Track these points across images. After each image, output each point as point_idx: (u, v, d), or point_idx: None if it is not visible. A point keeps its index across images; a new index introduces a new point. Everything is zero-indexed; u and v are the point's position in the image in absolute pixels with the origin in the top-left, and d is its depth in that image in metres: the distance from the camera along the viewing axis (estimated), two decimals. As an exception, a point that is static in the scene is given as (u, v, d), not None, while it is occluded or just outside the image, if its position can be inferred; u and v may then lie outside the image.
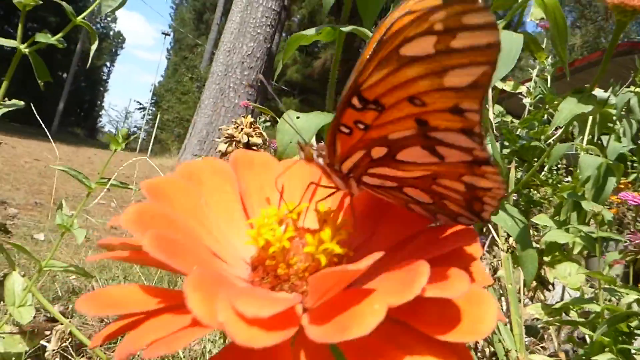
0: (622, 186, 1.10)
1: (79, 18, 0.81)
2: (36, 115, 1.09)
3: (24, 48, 0.77)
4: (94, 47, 0.84)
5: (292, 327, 0.15)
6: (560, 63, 0.52)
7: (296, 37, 0.45)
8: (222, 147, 0.75)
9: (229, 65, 5.47)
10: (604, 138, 0.98)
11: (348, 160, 0.24)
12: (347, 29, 0.43)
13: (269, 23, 5.46)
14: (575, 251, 0.90)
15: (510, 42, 0.42)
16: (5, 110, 0.81)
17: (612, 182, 0.78)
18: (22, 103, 0.82)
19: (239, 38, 5.48)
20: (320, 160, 0.25)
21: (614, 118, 0.88)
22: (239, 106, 5.37)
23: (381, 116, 0.21)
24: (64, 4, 0.80)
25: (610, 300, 0.77)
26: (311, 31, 0.44)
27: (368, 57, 0.20)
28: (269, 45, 5.55)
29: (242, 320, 0.14)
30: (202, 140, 5.85)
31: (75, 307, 0.16)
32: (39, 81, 0.82)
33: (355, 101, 0.21)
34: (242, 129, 0.76)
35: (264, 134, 0.77)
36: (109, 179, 0.81)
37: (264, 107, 0.96)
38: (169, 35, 20.95)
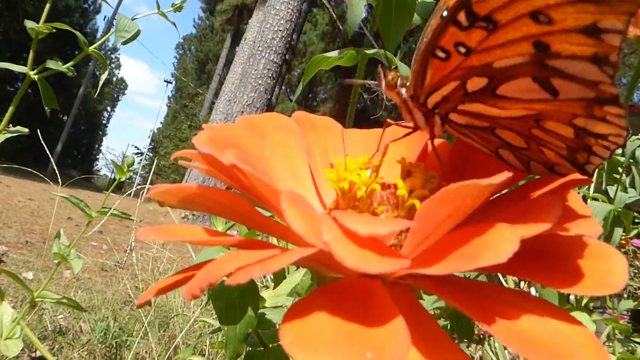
0: (624, 241, 1.09)
1: (91, 48, 0.82)
2: (34, 152, 1.08)
3: (33, 74, 0.77)
4: (103, 76, 0.84)
5: (403, 258, 0.12)
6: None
7: (318, 59, 0.44)
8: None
9: (229, 114, 5.53)
10: (610, 188, 0.97)
11: (437, 93, 0.20)
12: (371, 51, 0.42)
13: (270, 75, 5.56)
14: (584, 302, 0.87)
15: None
16: (9, 135, 0.79)
17: (619, 230, 0.77)
18: (27, 130, 0.81)
19: (240, 88, 5.57)
20: (403, 91, 0.21)
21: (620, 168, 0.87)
22: (237, 154, 5.40)
23: (491, 37, 0.17)
24: (77, 33, 0.80)
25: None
26: (333, 54, 0.43)
27: None
28: (269, 97, 5.64)
29: (352, 240, 0.12)
30: (198, 187, 5.84)
31: (138, 235, 0.14)
32: (46, 108, 0.81)
33: (461, 17, 0.18)
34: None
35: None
36: (110, 209, 0.79)
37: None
38: (171, 83, 21.33)
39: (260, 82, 5.51)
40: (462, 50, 0.18)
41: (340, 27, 9.70)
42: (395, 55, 0.42)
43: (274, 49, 5.59)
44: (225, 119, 5.58)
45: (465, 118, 0.20)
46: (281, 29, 5.61)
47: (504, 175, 0.13)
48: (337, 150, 0.25)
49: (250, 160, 0.17)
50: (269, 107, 6.11)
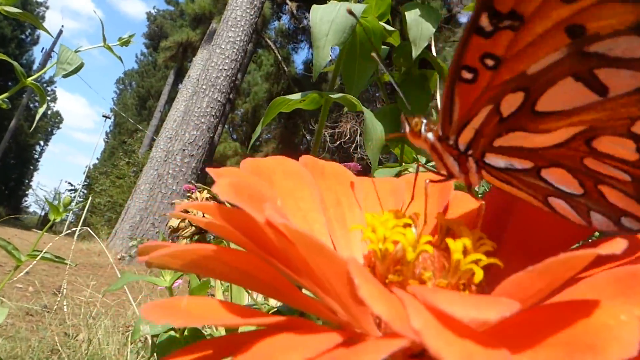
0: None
1: (30, 79, 0.77)
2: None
3: (-37, 105, 0.71)
4: (41, 109, 0.79)
5: (502, 348, 0.10)
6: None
7: (279, 101, 0.42)
8: (174, 222, 0.69)
9: (170, 151, 5.43)
10: None
11: (468, 127, 0.17)
12: (336, 96, 0.41)
13: (213, 113, 5.52)
14: None
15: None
16: None
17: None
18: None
19: (182, 126, 5.50)
20: (430, 135, 0.19)
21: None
22: (177, 193, 5.27)
23: (519, 37, 0.15)
24: (15, 63, 0.76)
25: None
26: (296, 96, 0.42)
27: None
28: (211, 135, 5.59)
29: (447, 328, 0.10)
30: (135, 226, 5.65)
31: (143, 313, 0.11)
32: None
33: (484, 21, 0.15)
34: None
35: (221, 211, 0.73)
36: (41, 251, 0.73)
37: (206, 187, 0.92)
38: (109, 118, 20.81)
39: (203, 120, 5.46)
40: (490, 63, 0.16)
41: (285, 68, 9.85)
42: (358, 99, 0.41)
43: (218, 87, 5.58)
44: (166, 157, 5.48)
45: (504, 158, 0.17)
46: (226, 67, 5.62)
47: (623, 244, 0.11)
48: (351, 202, 0.22)
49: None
50: (211, 145, 6.05)
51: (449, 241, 0.16)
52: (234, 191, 0.13)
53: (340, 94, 0.41)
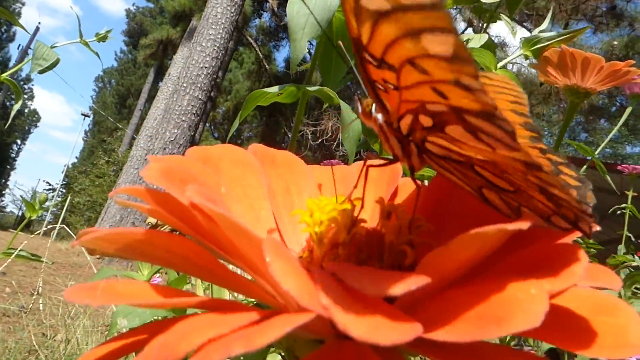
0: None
1: (4, 75, 0.76)
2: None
3: None
4: (16, 106, 0.78)
5: (414, 322, 0.10)
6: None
7: (256, 94, 0.42)
8: (152, 219, 0.69)
9: (150, 150, 5.38)
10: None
11: (403, 120, 0.18)
12: (313, 89, 0.41)
13: (194, 112, 5.49)
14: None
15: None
16: None
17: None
18: None
19: (162, 124, 5.45)
20: (379, 117, 0.19)
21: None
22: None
23: (400, 78, 0.16)
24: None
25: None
26: (273, 89, 0.42)
27: (342, 4, 0.15)
28: (192, 134, 5.55)
29: (356, 303, 0.10)
30: (115, 225, 5.59)
31: (65, 296, 0.11)
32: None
33: (368, 57, 0.16)
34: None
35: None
36: (17, 249, 0.72)
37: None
38: (88, 116, 20.51)
39: (184, 118, 5.42)
40: (391, 86, 0.17)
41: (267, 66, 9.82)
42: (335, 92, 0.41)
43: (199, 85, 5.54)
44: (147, 155, 5.42)
45: (440, 149, 0.18)
46: (207, 65, 5.58)
47: (529, 223, 0.11)
48: (300, 189, 0.22)
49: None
50: (192, 144, 6.00)
51: (384, 223, 0.16)
52: (163, 175, 0.13)
53: (317, 87, 0.41)
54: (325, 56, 0.45)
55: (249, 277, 0.15)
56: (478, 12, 0.77)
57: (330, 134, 7.68)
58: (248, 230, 0.11)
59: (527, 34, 0.47)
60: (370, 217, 0.19)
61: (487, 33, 0.62)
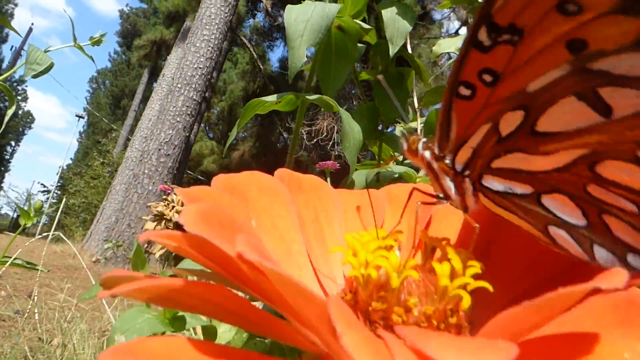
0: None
1: (-2, 81, 0.75)
2: None
3: None
4: (10, 110, 0.77)
5: None
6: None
7: (255, 103, 0.42)
8: (150, 225, 0.68)
9: (145, 151, 5.36)
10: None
11: (465, 146, 0.17)
12: (312, 97, 0.40)
13: (189, 112, 5.47)
14: None
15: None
16: None
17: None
18: None
19: (157, 125, 5.43)
20: (427, 154, 0.18)
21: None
22: (153, 193, 5.21)
23: (518, 51, 0.14)
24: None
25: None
26: (272, 98, 0.41)
27: None
28: (187, 134, 5.53)
29: None
30: (111, 227, 5.57)
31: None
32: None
33: (482, 35, 0.15)
34: (173, 206, 0.70)
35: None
36: (11, 257, 0.71)
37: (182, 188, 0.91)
38: (83, 118, 20.42)
39: (178, 119, 5.41)
40: (489, 79, 0.15)
41: (261, 66, 9.80)
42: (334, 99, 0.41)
43: (193, 86, 5.53)
44: (142, 156, 5.41)
45: (503, 181, 0.16)
46: (201, 66, 5.57)
47: (624, 276, 0.10)
48: (330, 218, 0.21)
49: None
50: (187, 144, 5.99)
51: (435, 265, 0.15)
52: (203, 221, 0.12)
53: (316, 95, 0.40)
54: (324, 63, 0.44)
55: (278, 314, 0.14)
56: (474, 13, 0.76)
57: (325, 134, 7.66)
58: (309, 291, 0.10)
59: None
60: (412, 252, 0.18)
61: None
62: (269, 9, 9.38)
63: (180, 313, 0.41)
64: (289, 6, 0.38)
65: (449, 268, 0.15)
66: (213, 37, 5.58)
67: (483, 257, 0.17)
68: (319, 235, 0.20)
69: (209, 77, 5.62)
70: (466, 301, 0.15)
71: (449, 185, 0.18)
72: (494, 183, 0.17)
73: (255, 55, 9.68)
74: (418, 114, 0.83)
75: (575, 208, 0.15)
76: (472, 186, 0.17)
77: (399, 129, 0.84)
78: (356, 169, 0.52)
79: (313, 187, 0.21)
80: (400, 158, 0.86)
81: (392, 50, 0.50)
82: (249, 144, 10.65)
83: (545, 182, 0.15)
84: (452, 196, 0.18)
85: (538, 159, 0.15)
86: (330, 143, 7.53)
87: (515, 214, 0.17)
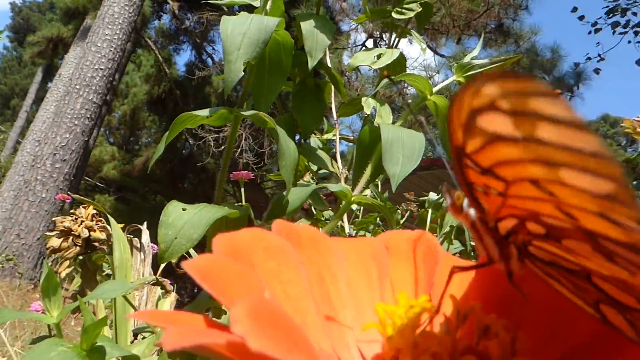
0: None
1: None
2: None
3: None
4: None
5: None
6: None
7: (184, 117, 0.39)
8: (55, 242, 0.63)
9: (38, 156, 5.01)
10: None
11: (503, 222, 0.16)
12: (248, 113, 0.38)
13: (88, 116, 5.18)
14: None
15: (412, 138, 0.42)
16: None
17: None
18: None
19: (52, 128, 5.10)
20: (472, 212, 0.17)
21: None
22: (47, 201, 4.88)
23: (510, 189, 0.14)
24: None
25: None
26: (204, 112, 0.39)
27: (448, 114, 0.14)
28: (86, 139, 5.24)
29: None
30: (-2, 237, 5.14)
31: None
32: None
33: (468, 162, 0.15)
34: (82, 221, 0.65)
35: (109, 227, 0.67)
36: None
37: (88, 199, 0.85)
38: (-36, 118, 18.74)
39: (76, 122, 5.11)
40: (494, 192, 0.15)
41: (167, 70, 9.50)
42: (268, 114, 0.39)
43: (93, 88, 5.25)
44: (34, 161, 5.05)
45: (548, 254, 0.15)
46: (102, 67, 5.30)
47: None
48: (334, 276, 0.18)
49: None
50: (86, 150, 5.67)
51: (490, 345, 0.14)
52: (257, 325, 0.10)
53: (252, 112, 0.39)
54: (258, 78, 0.43)
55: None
56: (390, 27, 0.78)
57: (226, 149, 7.55)
58: None
59: (418, 49, 0.48)
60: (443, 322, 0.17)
61: (394, 48, 0.62)
62: (176, 11, 9.14)
63: (99, 343, 0.37)
64: (224, 17, 0.36)
65: (500, 342, 0.14)
66: (116, 37, 5.34)
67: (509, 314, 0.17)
68: (326, 297, 0.18)
69: (110, 79, 5.37)
70: None
71: (494, 247, 0.17)
72: (539, 252, 0.16)
73: (160, 59, 9.38)
74: (336, 125, 0.83)
75: (628, 296, 0.14)
76: (517, 251, 0.16)
77: (314, 141, 0.84)
78: (270, 179, 0.51)
79: (312, 241, 0.19)
80: (315, 168, 0.86)
81: (311, 63, 0.49)
82: (153, 150, 10.28)
83: (588, 270, 0.15)
84: (497, 259, 0.17)
85: (571, 256, 0.15)
86: (238, 150, 7.45)
87: (564, 286, 0.16)
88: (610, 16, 5.48)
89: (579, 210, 0.13)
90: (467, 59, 0.45)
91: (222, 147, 7.74)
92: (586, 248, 0.14)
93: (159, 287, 1.09)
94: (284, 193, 0.45)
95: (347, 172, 0.71)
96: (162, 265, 1.23)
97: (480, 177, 0.15)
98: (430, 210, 0.99)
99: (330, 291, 0.18)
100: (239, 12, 0.43)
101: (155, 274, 1.17)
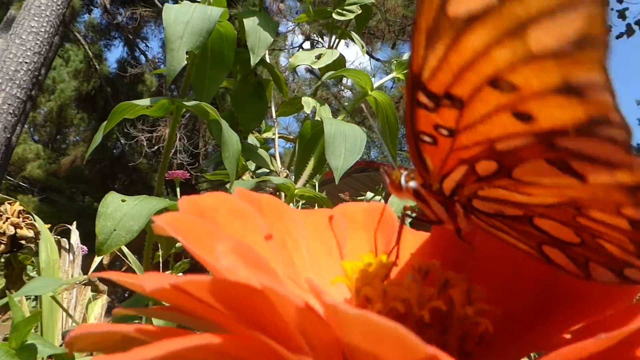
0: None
1: None
2: None
3: None
4: None
5: None
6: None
7: (123, 106, 0.38)
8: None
9: (-46, 153, 4.70)
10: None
11: (448, 179, 0.16)
12: (190, 104, 0.38)
13: (11, 111, 4.90)
14: None
15: (354, 132, 0.42)
16: None
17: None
18: None
19: (-29, 123, 4.79)
20: (412, 184, 0.17)
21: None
22: (-37, 201, 4.58)
23: (465, 113, 0.14)
24: None
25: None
26: (145, 102, 0.38)
27: (412, 33, 0.14)
28: (8, 136, 4.95)
29: None
30: None
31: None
32: None
33: (423, 98, 0.15)
34: (7, 218, 0.62)
35: (37, 225, 0.64)
36: None
37: (10, 197, 0.81)
38: None
39: (-2, 118, 4.83)
40: (444, 132, 0.15)
41: (97, 66, 9.16)
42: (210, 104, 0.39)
43: (17, 82, 4.98)
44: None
45: (492, 205, 0.16)
46: (27, 61, 5.04)
47: None
48: (295, 241, 0.19)
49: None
50: (8, 147, 5.36)
51: (452, 293, 0.14)
52: (241, 259, 0.10)
53: (194, 102, 0.38)
54: (200, 69, 0.42)
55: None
56: (330, 29, 0.79)
57: (166, 141, 7.38)
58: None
59: (357, 51, 0.49)
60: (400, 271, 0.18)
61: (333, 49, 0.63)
62: (108, 4, 8.83)
63: (30, 341, 0.35)
64: (167, 5, 0.36)
65: (463, 296, 0.15)
66: (43, 30, 5.08)
67: (465, 269, 0.18)
68: (289, 262, 0.18)
69: (36, 73, 5.10)
70: (488, 328, 0.15)
71: (440, 208, 0.17)
72: (484, 205, 0.17)
73: (90, 54, 9.03)
74: (275, 123, 0.83)
75: (567, 230, 0.15)
76: (463, 208, 0.17)
77: (251, 139, 0.84)
78: (205, 181, 0.50)
79: (273, 208, 0.19)
80: (252, 167, 0.85)
81: (254, 60, 0.49)
82: (81, 148, 9.87)
83: (534, 210, 0.15)
84: (445, 219, 0.18)
85: (520, 196, 0.15)
86: (173, 151, 7.28)
87: (508, 234, 0.17)
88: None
89: (538, 99, 0.13)
90: (406, 57, 0.46)
91: (156, 147, 7.54)
92: (539, 168, 0.14)
93: (89, 289, 1.05)
94: (227, 187, 0.44)
95: (286, 171, 0.71)
96: (93, 268, 1.19)
97: (430, 117, 0.15)
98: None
99: (293, 256, 0.18)
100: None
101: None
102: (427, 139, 0.16)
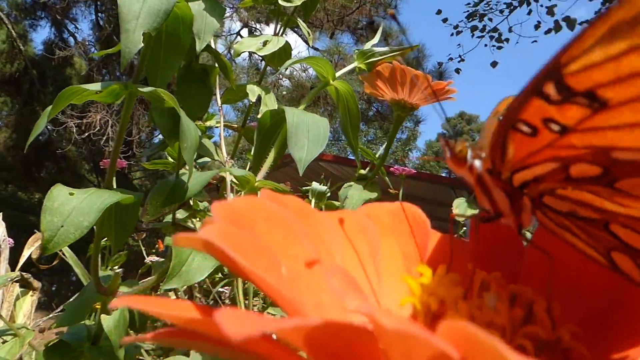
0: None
1: None
2: None
3: None
4: None
5: None
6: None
7: (71, 91, 0.35)
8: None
9: None
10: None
11: (526, 171, 0.15)
12: (145, 90, 0.35)
13: None
14: None
15: (316, 122, 0.41)
16: None
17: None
18: None
19: None
20: (477, 164, 0.16)
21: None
22: None
23: (598, 117, 0.13)
24: None
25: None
26: (95, 86, 0.35)
27: (593, 22, 0.13)
28: None
29: None
30: None
31: None
32: None
33: (550, 90, 0.14)
34: None
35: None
36: None
37: None
38: None
39: None
40: (555, 128, 0.14)
41: (22, 47, 8.64)
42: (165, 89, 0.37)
43: None
44: None
45: (568, 204, 0.15)
46: (-57, 40, 4.70)
47: None
48: (329, 249, 0.17)
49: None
50: None
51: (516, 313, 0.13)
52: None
53: (149, 88, 0.36)
54: (154, 53, 0.40)
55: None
56: (276, 15, 0.78)
57: (98, 127, 7.07)
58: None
59: (295, 39, 0.48)
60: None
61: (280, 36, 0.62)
62: (32, -17, 8.33)
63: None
64: (122, -18, 0.33)
65: (546, 316, 0.13)
66: (-40, 7, 4.75)
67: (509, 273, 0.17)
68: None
69: (-47, 53, 4.77)
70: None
71: (504, 200, 0.16)
72: (557, 204, 0.16)
73: (14, 34, 8.50)
74: (221, 111, 0.81)
75: None
76: (531, 203, 0.16)
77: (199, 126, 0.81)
78: (139, 170, 0.48)
79: (303, 213, 0.17)
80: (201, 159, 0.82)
81: (200, 46, 0.47)
82: (4, 134, 9.31)
83: (616, 218, 0.15)
84: (506, 212, 0.17)
85: (612, 205, 0.15)
86: (104, 138, 6.98)
87: (577, 236, 0.16)
88: (470, 20, 5.91)
89: None
90: (367, 46, 0.46)
91: (86, 135, 7.21)
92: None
93: (17, 286, 0.99)
94: (179, 178, 0.42)
95: (231, 161, 0.69)
96: (21, 263, 1.12)
97: (546, 108, 0.14)
98: (313, 200, 1.00)
99: (325, 262, 0.16)
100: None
101: (13, 271, 1.07)
102: (524, 128, 0.15)
